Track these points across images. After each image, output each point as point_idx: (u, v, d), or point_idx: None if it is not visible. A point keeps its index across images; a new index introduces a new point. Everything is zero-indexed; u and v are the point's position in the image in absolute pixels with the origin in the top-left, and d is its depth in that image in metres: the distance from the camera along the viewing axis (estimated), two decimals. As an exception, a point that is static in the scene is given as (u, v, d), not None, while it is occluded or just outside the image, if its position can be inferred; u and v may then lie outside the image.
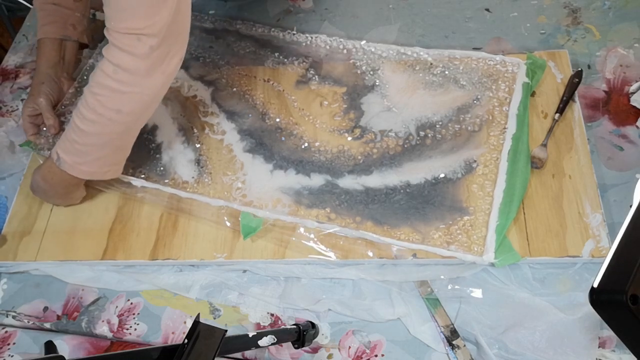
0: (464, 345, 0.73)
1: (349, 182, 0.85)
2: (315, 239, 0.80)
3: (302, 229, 0.81)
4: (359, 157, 0.87)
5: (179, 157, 0.90)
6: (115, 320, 0.80)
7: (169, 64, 0.72)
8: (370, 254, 0.78)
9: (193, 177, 0.88)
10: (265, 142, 0.91)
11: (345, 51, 1.00)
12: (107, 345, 0.78)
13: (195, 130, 0.93)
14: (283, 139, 0.91)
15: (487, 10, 1.05)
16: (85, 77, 0.99)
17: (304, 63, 0.99)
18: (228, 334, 0.53)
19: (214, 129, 0.93)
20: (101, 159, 0.78)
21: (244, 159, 0.89)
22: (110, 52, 0.70)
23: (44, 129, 0.92)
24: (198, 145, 0.91)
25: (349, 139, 0.90)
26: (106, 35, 0.70)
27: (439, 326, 0.75)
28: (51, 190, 0.82)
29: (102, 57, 0.71)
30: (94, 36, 1.10)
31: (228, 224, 0.83)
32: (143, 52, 0.69)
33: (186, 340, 0.50)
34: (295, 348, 0.69)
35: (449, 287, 0.76)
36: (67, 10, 0.92)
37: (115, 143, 0.77)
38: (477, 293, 0.76)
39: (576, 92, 0.89)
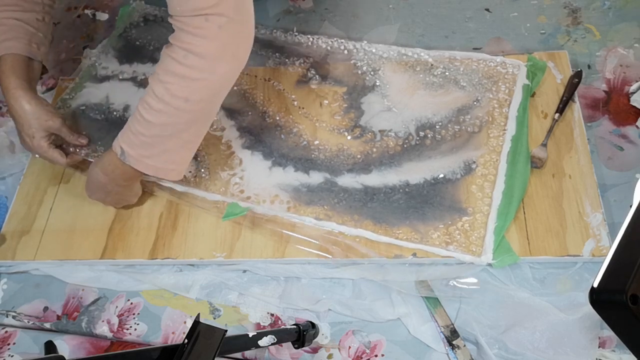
0: (464, 345, 0.73)
1: (348, 180, 0.85)
2: (315, 237, 0.80)
3: (300, 226, 0.81)
4: (359, 156, 0.87)
5: None
6: (115, 320, 0.80)
7: (238, 47, 0.71)
8: (370, 253, 0.78)
9: (190, 172, 0.88)
10: (264, 139, 0.91)
11: (346, 52, 1.00)
12: (107, 345, 0.78)
13: (194, 127, 0.93)
14: (282, 136, 0.91)
15: (487, 10, 1.05)
16: (85, 77, 0.99)
17: (305, 63, 0.99)
18: (228, 334, 0.53)
19: (213, 125, 0.93)
20: (167, 153, 0.75)
21: (242, 155, 0.89)
22: (179, 38, 0.69)
23: (72, 149, 0.87)
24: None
25: (349, 137, 0.90)
26: (172, 22, 0.69)
27: (439, 326, 0.75)
28: (110, 184, 0.80)
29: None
30: (94, 36, 1.10)
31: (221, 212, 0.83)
32: (212, 32, 0.67)
33: (186, 340, 0.50)
34: (295, 348, 0.69)
35: (449, 287, 0.76)
36: (30, 28, 0.83)
37: (182, 135, 0.75)
38: (477, 293, 0.75)
39: (576, 92, 0.89)
